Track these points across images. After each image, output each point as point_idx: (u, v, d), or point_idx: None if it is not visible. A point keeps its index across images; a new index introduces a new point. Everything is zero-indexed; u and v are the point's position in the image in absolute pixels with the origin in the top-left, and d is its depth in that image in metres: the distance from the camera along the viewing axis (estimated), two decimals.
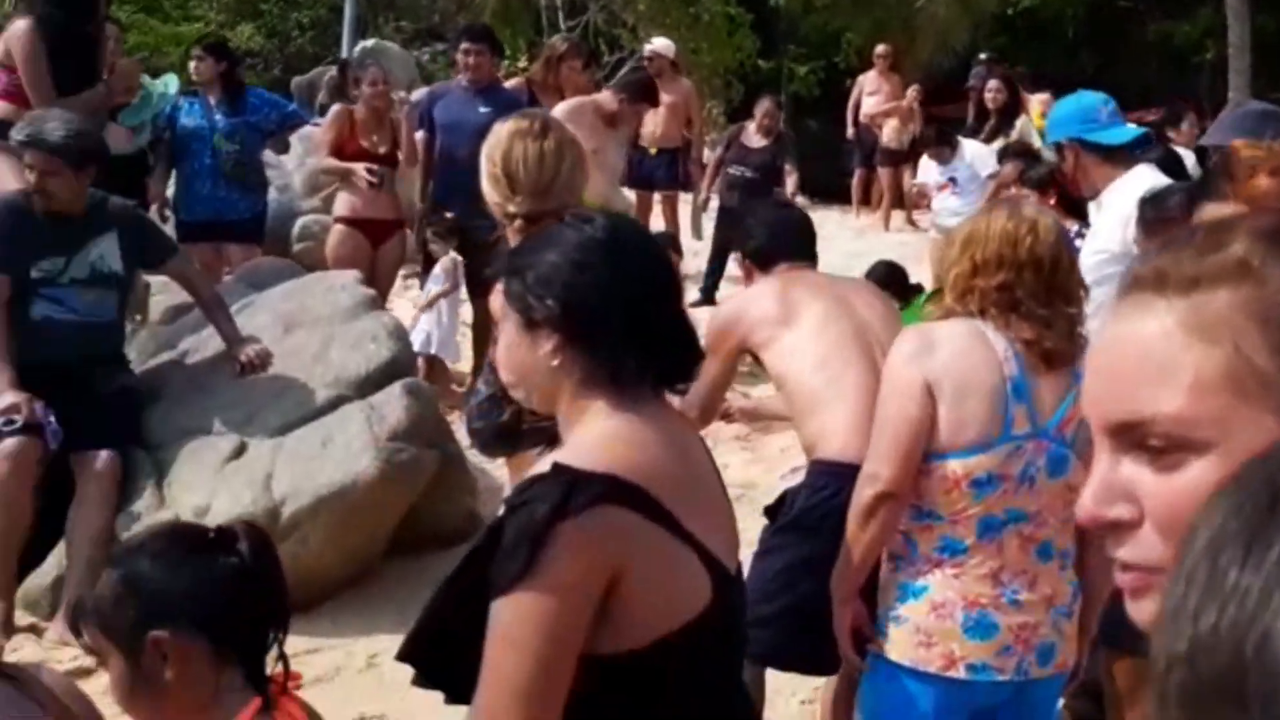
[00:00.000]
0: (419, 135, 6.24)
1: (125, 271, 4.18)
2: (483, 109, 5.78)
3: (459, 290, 6.22)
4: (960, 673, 2.19)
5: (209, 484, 3.94)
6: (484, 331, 5.85)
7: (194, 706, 1.53)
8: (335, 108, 6.38)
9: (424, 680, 1.64)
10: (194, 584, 1.53)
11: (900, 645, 2.23)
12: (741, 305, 3.04)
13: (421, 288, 6.54)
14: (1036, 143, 6.90)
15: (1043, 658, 2.24)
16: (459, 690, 1.60)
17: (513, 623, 1.38)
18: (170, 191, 6.15)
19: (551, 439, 1.62)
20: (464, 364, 6.39)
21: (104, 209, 4.14)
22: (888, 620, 2.27)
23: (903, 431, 2.18)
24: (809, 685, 3.49)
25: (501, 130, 2.49)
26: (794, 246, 3.10)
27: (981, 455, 2.17)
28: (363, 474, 3.92)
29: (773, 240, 3.10)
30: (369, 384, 4.28)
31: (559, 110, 5.08)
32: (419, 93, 8.54)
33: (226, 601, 1.53)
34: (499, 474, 4.83)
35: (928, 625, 2.21)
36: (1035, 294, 2.21)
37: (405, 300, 6.71)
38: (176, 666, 1.50)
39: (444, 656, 1.57)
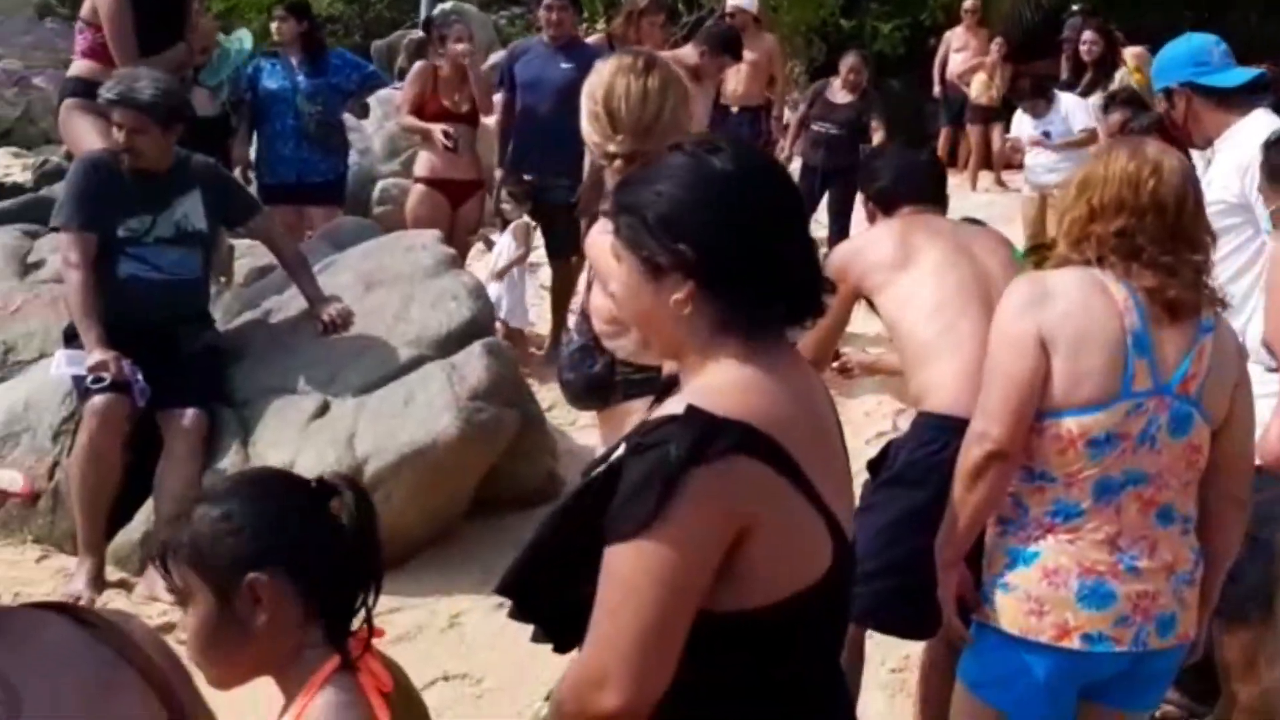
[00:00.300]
0: (497, 97, 6.17)
1: (209, 230, 4.18)
2: (564, 65, 5.70)
3: (529, 255, 6.16)
4: (1074, 643, 2.07)
5: (293, 442, 3.95)
6: (565, 294, 5.79)
7: (274, 657, 1.47)
8: (418, 64, 6.30)
9: (521, 614, 1.57)
10: (296, 530, 1.47)
11: (1009, 614, 2.11)
12: (858, 247, 2.93)
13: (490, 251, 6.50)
14: None
15: (1162, 628, 2.10)
16: (554, 628, 1.53)
17: (635, 570, 1.29)
18: (252, 154, 6.17)
19: (662, 390, 1.52)
20: (540, 327, 6.35)
21: (188, 167, 4.15)
22: (995, 588, 2.14)
23: (1013, 388, 2.05)
24: (899, 653, 3.39)
25: (604, 67, 2.38)
26: (919, 189, 2.97)
27: (1099, 413, 2.03)
28: (444, 433, 3.90)
29: (898, 182, 2.98)
30: (450, 343, 4.26)
31: None
32: (496, 55, 8.46)
33: (323, 553, 1.47)
34: (579, 436, 4.79)
35: (1039, 593, 2.08)
36: (1158, 240, 2.07)
37: (480, 265, 6.68)
38: (269, 612, 1.44)
39: (544, 593, 1.49)
